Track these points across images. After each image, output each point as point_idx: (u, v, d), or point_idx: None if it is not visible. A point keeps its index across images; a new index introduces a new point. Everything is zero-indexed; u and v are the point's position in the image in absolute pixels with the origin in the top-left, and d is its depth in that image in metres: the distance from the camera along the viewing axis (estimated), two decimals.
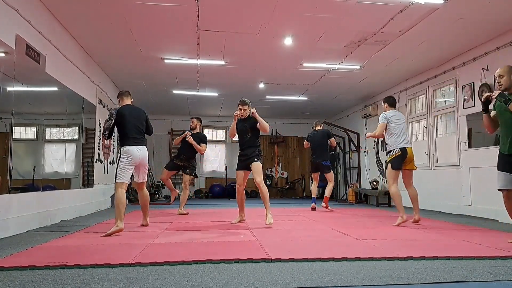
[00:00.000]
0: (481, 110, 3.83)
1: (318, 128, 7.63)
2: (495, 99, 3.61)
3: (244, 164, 4.97)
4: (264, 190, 4.78)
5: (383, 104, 5.43)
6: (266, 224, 4.65)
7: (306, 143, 7.64)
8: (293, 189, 13.15)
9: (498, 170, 3.67)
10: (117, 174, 4.28)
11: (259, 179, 4.79)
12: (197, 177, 6.74)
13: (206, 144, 6.53)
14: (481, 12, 4.86)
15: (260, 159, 4.90)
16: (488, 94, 3.65)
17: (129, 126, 4.39)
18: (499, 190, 3.68)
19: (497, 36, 5.63)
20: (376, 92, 9.28)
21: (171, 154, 12.36)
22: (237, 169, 5.05)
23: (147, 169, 4.61)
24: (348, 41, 5.92)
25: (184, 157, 6.52)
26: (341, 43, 6.01)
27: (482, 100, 3.74)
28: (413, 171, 5.13)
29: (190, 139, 6.33)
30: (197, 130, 6.61)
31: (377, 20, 5.14)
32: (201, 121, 6.76)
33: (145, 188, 4.69)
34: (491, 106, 3.79)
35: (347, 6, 4.73)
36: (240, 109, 4.95)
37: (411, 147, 5.09)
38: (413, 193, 4.98)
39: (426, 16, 4.98)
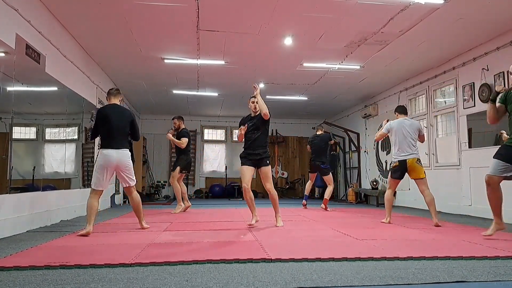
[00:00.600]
0: (489, 99, 3.83)
1: (319, 132, 7.90)
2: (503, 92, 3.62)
3: (254, 162, 4.72)
4: (275, 194, 4.74)
5: (394, 114, 5.45)
6: (277, 226, 4.67)
7: (308, 147, 7.95)
8: (293, 189, 13.16)
9: (494, 157, 3.62)
10: (92, 178, 4.13)
11: (269, 185, 4.69)
12: (183, 171, 6.85)
13: (186, 138, 6.72)
14: (481, 12, 4.85)
15: (269, 162, 4.82)
16: (503, 87, 3.66)
17: (108, 127, 4.15)
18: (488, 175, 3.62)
19: (497, 36, 5.63)
20: (376, 92, 9.28)
21: (171, 154, 12.38)
22: (243, 165, 4.69)
23: (130, 172, 4.28)
24: (348, 41, 5.92)
25: (176, 157, 6.92)
26: (341, 43, 6.01)
27: (496, 89, 3.75)
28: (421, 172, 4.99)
29: (169, 137, 6.70)
30: (182, 127, 6.88)
31: (377, 20, 5.14)
32: (183, 119, 6.99)
33: (135, 192, 4.40)
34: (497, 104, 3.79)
35: (347, 6, 4.73)
36: (253, 102, 4.78)
37: (415, 158, 4.94)
38: (428, 198, 4.85)
39: (426, 16, 4.98)
